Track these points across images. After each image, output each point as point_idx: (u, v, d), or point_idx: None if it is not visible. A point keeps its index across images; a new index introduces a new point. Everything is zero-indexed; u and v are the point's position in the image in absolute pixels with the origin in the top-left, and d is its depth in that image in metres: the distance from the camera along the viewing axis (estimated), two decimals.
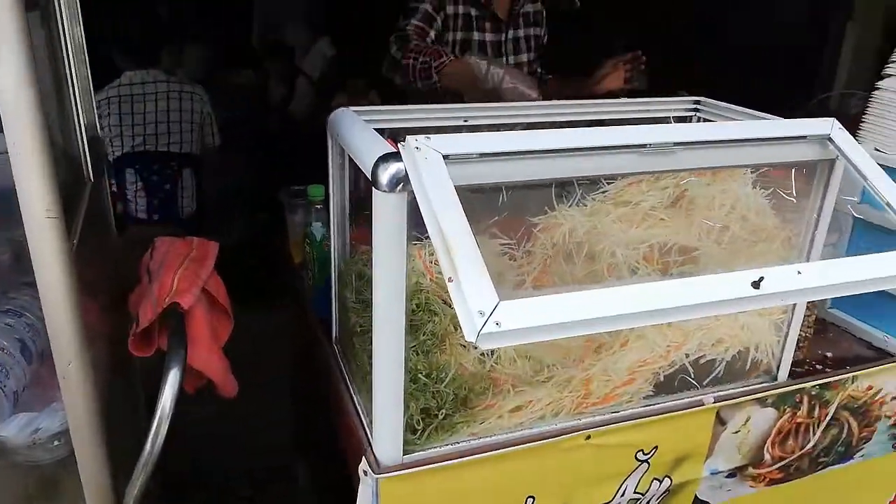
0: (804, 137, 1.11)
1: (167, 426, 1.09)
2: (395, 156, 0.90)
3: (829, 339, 1.65)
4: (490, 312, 0.74)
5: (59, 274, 0.89)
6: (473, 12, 2.30)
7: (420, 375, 1.12)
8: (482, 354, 1.20)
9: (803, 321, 1.50)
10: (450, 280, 0.78)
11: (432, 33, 2.23)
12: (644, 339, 1.20)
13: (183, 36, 3.86)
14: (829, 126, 1.13)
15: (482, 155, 0.92)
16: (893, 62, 1.59)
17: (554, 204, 1.31)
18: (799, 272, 0.89)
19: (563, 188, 1.31)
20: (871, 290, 0.94)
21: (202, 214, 3.46)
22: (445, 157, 0.89)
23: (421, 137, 0.90)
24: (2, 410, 0.98)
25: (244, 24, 5.70)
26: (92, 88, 1.40)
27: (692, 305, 0.83)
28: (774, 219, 1.27)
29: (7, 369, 1.01)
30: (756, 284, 0.85)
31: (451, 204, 0.83)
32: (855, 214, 1.58)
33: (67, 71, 1.28)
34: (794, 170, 1.24)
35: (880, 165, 1.55)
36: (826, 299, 1.72)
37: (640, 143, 1.00)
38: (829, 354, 1.58)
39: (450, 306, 1.24)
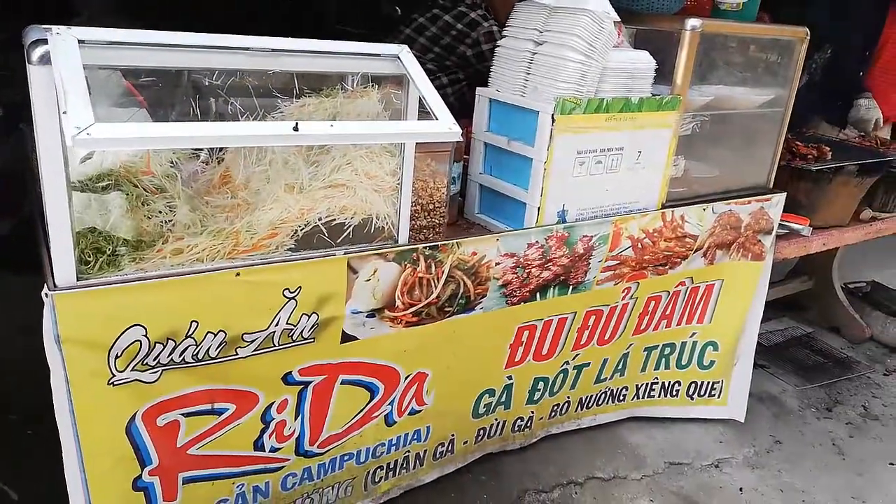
0: (379, 55, 1.61)
1: None
2: (45, 41, 1.27)
3: (472, 233, 2.20)
4: (85, 127, 1.13)
5: None
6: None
7: (96, 225, 1.49)
8: (161, 222, 1.59)
9: (435, 213, 2.03)
10: (64, 113, 1.16)
11: None
12: (279, 202, 1.64)
13: None
14: (399, 49, 1.63)
15: (110, 43, 1.31)
16: (508, 27, 2.17)
17: (239, 118, 1.73)
18: (331, 125, 1.36)
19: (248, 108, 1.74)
20: (374, 142, 1.44)
21: None
22: (81, 41, 1.27)
23: (63, 28, 1.27)
24: None
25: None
26: None
27: (249, 136, 1.27)
28: (386, 119, 1.77)
29: None
30: (295, 128, 1.31)
31: (74, 66, 1.21)
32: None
33: None
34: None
35: (498, 101, 2.14)
36: (475, 206, 2.28)
37: (244, 46, 1.43)
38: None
39: (136, 186, 1.63)
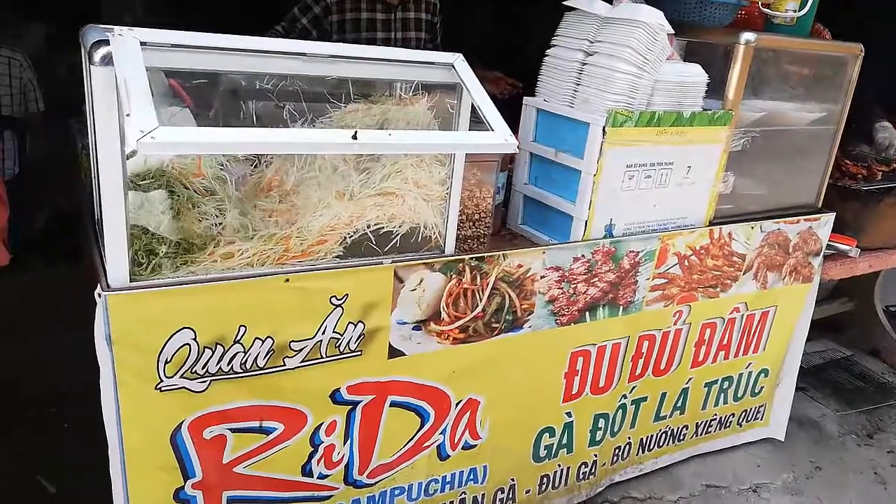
0: (434, 63, 1.59)
1: None
2: (107, 42, 1.27)
3: (515, 244, 2.17)
4: (149, 131, 1.12)
5: None
6: None
7: (149, 227, 1.48)
8: (211, 225, 1.59)
9: (480, 223, 2.01)
10: (128, 115, 1.16)
11: (303, 20, 2.79)
12: (330, 208, 1.62)
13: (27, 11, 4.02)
14: (454, 58, 1.61)
15: (174, 45, 1.30)
16: (557, 36, 2.14)
17: (288, 123, 1.73)
18: (389, 134, 1.34)
19: (297, 112, 1.73)
20: (432, 152, 1.41)
21: (25, 177, 3.58)
22: (143, 43, 1.27)
23: (125, 29, 1.27)
24: None
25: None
26: None
27: (310, 143, 1.26)
28: (437, 127, 1.75)
29: None
30: (355, 136, 1.29)
31: (137, 68, 1.20)
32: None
33: None
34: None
35: (546, 112, 2.11)
36: (518, 217, 2.25)
37: (300, 51, 1.42)
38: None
39: (186, 188, 1.62)
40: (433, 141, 1.48)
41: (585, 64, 2.02)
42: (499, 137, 1.46)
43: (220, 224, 1.59)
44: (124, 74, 1.19)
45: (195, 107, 1.67)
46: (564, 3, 2.10)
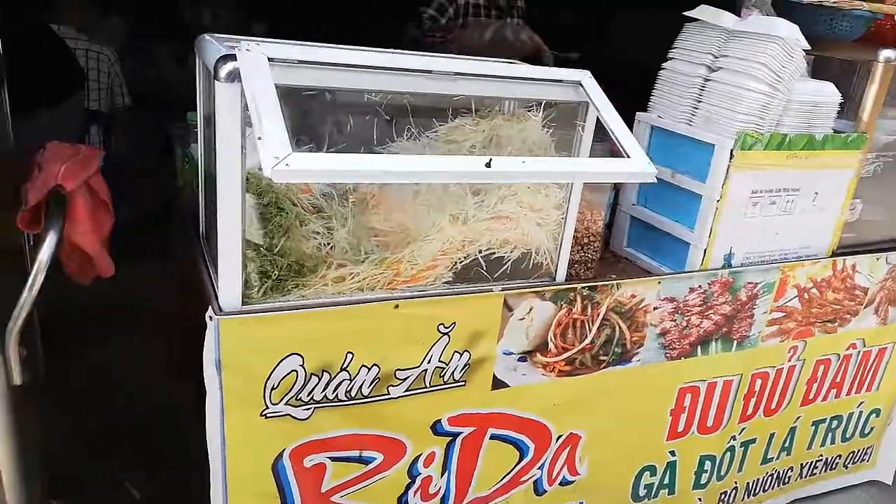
0: (560, 81, 1.48)
1: (42, 277, 1.36)
2: (233, 57, 1.20)
3: (620, 268, 2.05)
4: (283, 158, 1.05)
5: None
6: (482, 1, 2.97)
7: (261, 248, 1.42)
8: (319, 244, 1.52)
9: (589, 247, 1.89)
10: (259, 139, 1.09)
11: (442, 20, 2.92)
12: (443, 232, 1.54)
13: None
14: (581, 75, 1.50)
15: (300, 62, 1.23)
16: (676, 48, 2.00)
17: (394, 136, 1.65)
18: (523, 162, 1.24)
19: (402, 125, 1.65)
20: (568, 180, 1.30)
21: (108, 173, 3.61)
22: (270, 59, 1.20)
23: (252, 44, 1.20)
24: None
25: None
26: None
27: (443, 172, 1.17)
28: (552, 149, 1.64)
29: None
30: (488, 164, 1.20)
31: (268, 88, 1.13)
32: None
33: None
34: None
35: (662, 129, 1.98)
36: (623, 239, 2.12)
37: (427, 69, 1.33)
38: (614, 276, 1.96)
39: (295, 205, 1.56)
40: (570, 169, 1.37)
41: (708, 80, 1.88)
42: (636, 165, 1.34)
43: (329, 244, 1.53)
44: (254, 94, 1.12)
45: (301, 117, 1.61)
46: (686, 13, 1.96)
